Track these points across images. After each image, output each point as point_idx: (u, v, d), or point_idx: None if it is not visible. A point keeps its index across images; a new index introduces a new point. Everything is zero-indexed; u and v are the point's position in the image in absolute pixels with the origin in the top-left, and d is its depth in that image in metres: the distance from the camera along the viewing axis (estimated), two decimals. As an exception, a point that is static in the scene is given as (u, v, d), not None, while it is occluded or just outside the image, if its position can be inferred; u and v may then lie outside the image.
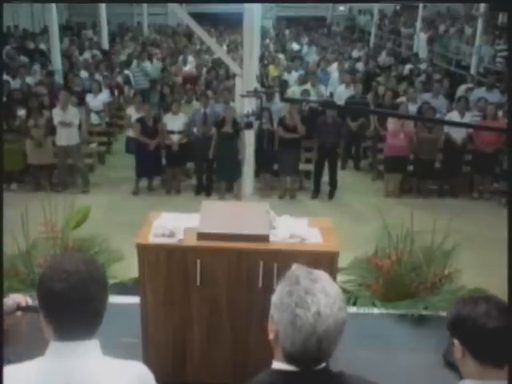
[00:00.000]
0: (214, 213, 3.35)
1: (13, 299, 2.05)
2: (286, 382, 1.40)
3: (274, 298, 1.40)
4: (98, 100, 9.51)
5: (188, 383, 3.53)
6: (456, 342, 1.57)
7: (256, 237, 3.20)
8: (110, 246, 5.12)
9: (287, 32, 20.52)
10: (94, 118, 9.46)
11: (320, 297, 1.34)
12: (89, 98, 9.44)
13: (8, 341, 1.87)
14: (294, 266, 1.47)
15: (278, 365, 1.42)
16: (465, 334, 1.55)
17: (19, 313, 2.08)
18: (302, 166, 8.46)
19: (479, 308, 1.54)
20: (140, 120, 8.06)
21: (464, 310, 1.57)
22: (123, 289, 4.67)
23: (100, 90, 9.65)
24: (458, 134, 8.12)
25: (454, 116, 8.16)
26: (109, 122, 10.12)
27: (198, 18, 9.27)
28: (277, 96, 8.98)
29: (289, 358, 1.39)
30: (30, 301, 2.12)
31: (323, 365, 1.40)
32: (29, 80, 10.50)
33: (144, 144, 7.96)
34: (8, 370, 1.47)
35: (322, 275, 1.42)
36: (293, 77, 11.28)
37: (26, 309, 2.12)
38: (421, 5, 16.70)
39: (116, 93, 10.78)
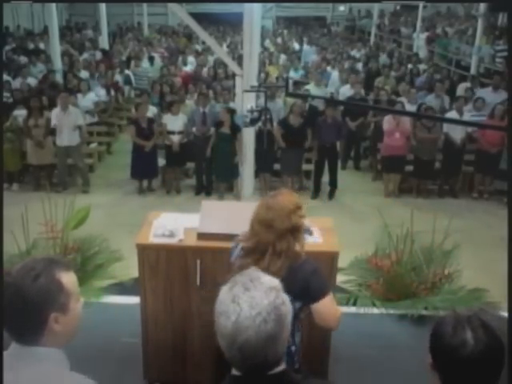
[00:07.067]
0: (213, 213, 3.34)
1: None
2: None
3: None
4: (87, 100, 9.46)
5: (188, 383, 3.53)
6: (432, 364, 1.50)
7: (256, 237, 3.19)
8: (110, 245, 5.13)
9: (287, 32, 20.52)
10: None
11: (243, 307, 1.32)
12: (78, 97, 9.38)
13: None
14: (252, 269, 1.47)
15: (234, 370, 1.42)
16: (442, 362, 1.47)
17: None
18: (302, 166, 8.45)
19: (457, 336, 1.42)
20: (134, 122, 8.02)
21: (442, 335, 1.46)
22: (123, 289, 4.68)
23: (89, 90, 9.62)
24: (457, 134, 8.11)
25: (453, 115, 8.12)
26: (107, 122, 10.11)
27: (198, 17, 9.24)
28: (278, 96, 8.97)
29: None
30: None
31: (277, 370, 1.38)
32: (29, 80, 10.49)
33: (139, 145, 7.90)
34: None
35: (262, 283, 1.37)
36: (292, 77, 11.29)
37: None
38: (421, 5, 16.68)
39: (112, 92, 10.72)
